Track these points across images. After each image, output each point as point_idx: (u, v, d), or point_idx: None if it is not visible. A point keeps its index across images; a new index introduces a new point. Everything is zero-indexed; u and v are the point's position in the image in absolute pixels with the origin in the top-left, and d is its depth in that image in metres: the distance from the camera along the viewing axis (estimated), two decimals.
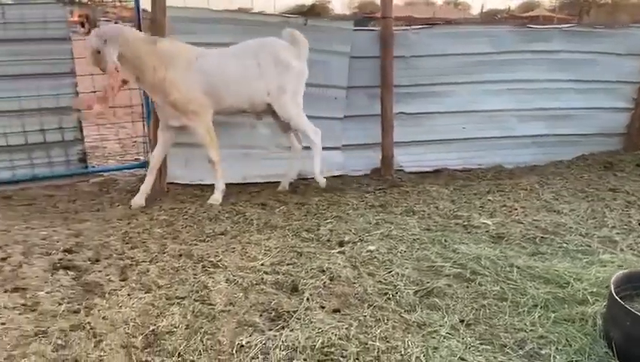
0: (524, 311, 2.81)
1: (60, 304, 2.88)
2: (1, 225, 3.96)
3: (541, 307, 2.83)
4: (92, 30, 4.25)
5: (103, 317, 2.76)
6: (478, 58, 5.59)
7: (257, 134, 5.21)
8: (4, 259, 3.35)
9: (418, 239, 3.76)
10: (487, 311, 2.82)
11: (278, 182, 4.99)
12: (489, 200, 4.68)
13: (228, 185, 4.75)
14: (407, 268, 3.30)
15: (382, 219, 4.19)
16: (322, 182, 4.86)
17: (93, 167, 5.28)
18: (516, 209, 4.42)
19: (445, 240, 3.73)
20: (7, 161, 4.77)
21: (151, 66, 4.24)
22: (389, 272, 3.25)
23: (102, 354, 2.47)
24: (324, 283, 3.12)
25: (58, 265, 3.31)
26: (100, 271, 3.26)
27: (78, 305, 2.88)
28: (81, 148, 5.02)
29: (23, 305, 2.86)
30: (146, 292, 3.03)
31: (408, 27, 6.13)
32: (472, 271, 3.24)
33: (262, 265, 3.37)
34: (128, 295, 2.99)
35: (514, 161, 5.75)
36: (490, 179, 5.40)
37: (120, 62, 4.10)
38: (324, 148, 4.73)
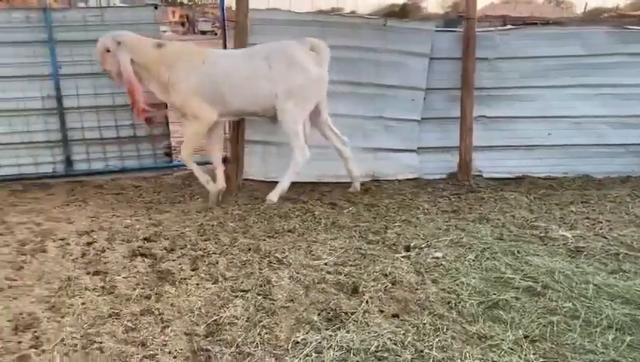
0: (596, 331, 2.63)
1: (134, 289, 3.07)
2: (91, 212, 4.30)
3: (616, 329, 2.64)
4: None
5: (171, 304, 2.92)
6: (568, 61, 5.26)
7: None
8: (89, 244, 3.64)
9: (489, 248, 3.62)
10: (555, 328, 2.66)
11: (351, 183, 5.00)
12: (571, 211, 4.41)
13: (300, 183, 4.85)
14: (473, 277, 3.20)
15: (453, 225, 4.08)
16: (273, 199, 4.57)
17: (178, 161, 5.57)
18: (600, 222, 4.13)
19: (518, 251, 3.56)
20: (100, 153, 5.15)
21: (156, 70, 4.35)
22: (454, 281, 3.17)
23: (166, 339, 2.61)
24: (386, 287, 3.10)
25: (137, 252, 3.53)
26: (173, 261, 3.44)
27: (150, 291, 3.06)
28: (168, 143, 5.32)
29: (102, 287, 3.09)
30: (213, 283, 3.16)
31: (495, 28, 5.89)
32: (544, 286, 3.08)
33: (325, 264, 3.41)
34: (197, 284, 3.14)
35: (604, 171, 5.36)
36: (576, 188, 5.08)
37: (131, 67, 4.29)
38: (398, 151, 4.67)
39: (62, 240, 3.68)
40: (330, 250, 3.63)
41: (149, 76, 4.37)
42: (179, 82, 4.34)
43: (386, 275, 3.24)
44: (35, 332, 2.65)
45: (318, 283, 3.16)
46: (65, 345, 2.55)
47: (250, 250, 3.61)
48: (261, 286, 3.12)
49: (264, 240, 3.79)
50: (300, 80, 4.42)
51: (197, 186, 5.14)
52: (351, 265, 3.39)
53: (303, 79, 4.43)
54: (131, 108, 4.52)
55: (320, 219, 4.20)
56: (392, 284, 3.14)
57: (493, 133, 5.41)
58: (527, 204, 4.61)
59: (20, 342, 2.57)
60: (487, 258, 3.47)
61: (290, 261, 3.44)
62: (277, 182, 4.91)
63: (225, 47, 5.12)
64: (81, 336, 2.62)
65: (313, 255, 3.55)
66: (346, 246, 3.67)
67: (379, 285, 3.11)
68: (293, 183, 4.74)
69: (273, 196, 4.58)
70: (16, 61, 4.75)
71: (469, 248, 3.63)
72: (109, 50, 4.31)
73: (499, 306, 2.88)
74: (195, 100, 4.37)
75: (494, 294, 2.99)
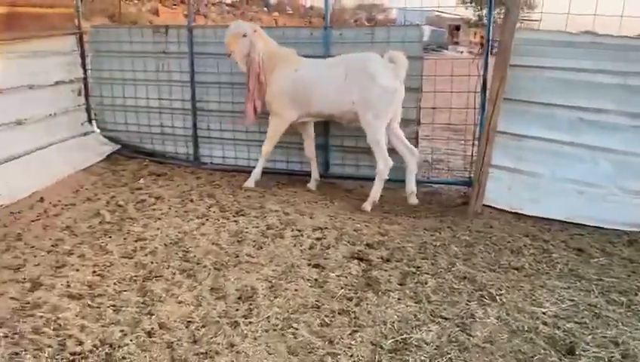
0: None
1: (341, 288, 3.24)
2: (332, 212, 4.66)
3: None
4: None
5: (368, 312, 2.98)
6: None
7: (598, 170, 4.58)
8: (318, 239, 3.96)
9: None
10: None
11: (614, 229, 4.29)
12: None
13: (546, 219, 4.40)
14: None
15: None
16: (367, 209, 4.80)
17: (423, 177, 5.61)
18: None
19: None
20: (353, 160, 5.55)
21: (268, 66, 4.96)
22: None
23: (353, 343, 2.69)
24: (612, 358, 2.58)
25: (356, 255, 3.71)
26: (385, 271, 3.50)
27: (354, 294, 3.18)
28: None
29: (315, 280, 3.34)
30: (415, 302, 3.11)
31: None
32: None
33: (544, 313, 3.01)
34: (398, 299, 3.14)
35: None
36: None
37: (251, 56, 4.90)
38: None
39: (299, 231, 4.09)
40: (556, 299, 3.19)
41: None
42: (273, 83, 4.97)
43: (616, 344, 2.69)
44: (251, 304, 3.02)
45: (527, 331, 2.82)
46: (269, 322, 2.85)
47: (465, 278, 3.43)
48: (463, 318, 2.94)
49: (484, 272, 3.54)
50: (372, 91, 4.68)
51: (436, 205, 5.12)
52: (575, 322, 2.92)
53: (375, 90, 4.67)
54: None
55: (557, 262, 3.72)
56: (622, 358, 2.59)
57: None
58: None
59: (237, 310, 2.97)
60: None
61: (504, 300, 3.15)
62: (522, 215, 4.57)
63: (485, 67, 4.95)
64: (283, 319, 2.89)
65: (534, 300, 3.17)
66: (578, 300, 3.17)
67: (603, 353, 2.61)
68: (540, 218, 4.43)
69: (367, 206, 4.83)
70: None
71: None
72: (245, 35, 4.92)
73: None
74: (281, 100, 4.96)
75: None
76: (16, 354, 2.49)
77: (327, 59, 5.13)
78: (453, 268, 3.56)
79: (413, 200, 5.04)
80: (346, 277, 3.40)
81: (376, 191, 4.89)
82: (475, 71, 5.07)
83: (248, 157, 5.87)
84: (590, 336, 2.77)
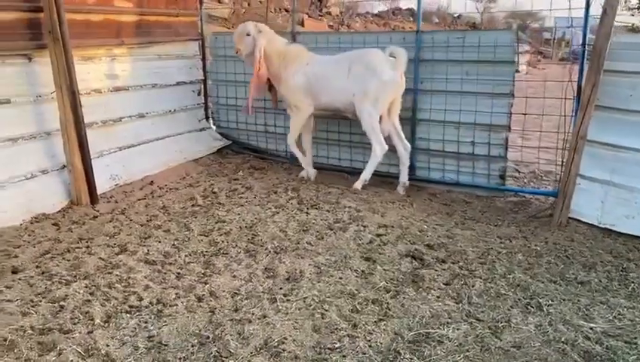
0: None
1: (385, 281, 3.33)
2: (408, 213, 4.69)
3: None
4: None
5: (402, 305, 3.06)
6: None
7: None
8: (379, 236, 4.06)
9: None
10: None
11: None
12: None
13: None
14: None
15: None
16: (358, 187, 5.23)
17: (510, 185, 5.40)
18: None
19: None
20: (440, 164, 5.52)
21: (277, 63, 5.33)
22: None
23: (375, 329, 2.79)
24: None
25: (411, 253, 3.76)
26: (435, 270, 3.52)
27: (395, 288, 3.26)
28: (503, 166, 5.24)
29: (363, 271, 3.47)
30: (455, 302, 3.12)
31: None
32: None
33: (591, 329, 2.84)
34: (437, 297, 3.16)
35: None
36: None
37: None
38: None
39: (364, 226, 4.23)
40: (613, 316, 2.98)
41: (270, 65, 5.35)
42: (289, 78, 5.34)
43: None
44: (294, 285, 3.25)
45: (563, 342, 2.71)
46: (304, 302, 3.05)
47: (517, 286, 3.33)
48: (498, 322, 2.90)
49: (541, 282, 3.39)
50: (373, 83, 5.00)
51: (521, 214, 4.92)
52: (625, 341, 2.73)
53: (375, 82, 5.00)
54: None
55: (631, 282, 3.43)
56: None
57: None
58: None
59: (280, 289, 3.22)
60: None
61: (552, 311, 3.02)
62: (612, 231, 4.27)
63: (580, 74, 4.65)
64: (319, 301, 3.07)
65: (586, 314, 3.00)
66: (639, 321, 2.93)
67: None
68: (633, 236, 4.17)
69: (358, 185, 5.25)
70: None
71: None
72: (249, 34, 5.28)
73: None
74: (298, 93, 5.36)
75: None
76: (89, 301, 2.98)
77: (336, 55, 5.43)
78: (508, 276, 3.47)
79: (401, 191, 5.36)
80: (394, 272, 3.48)
81: (368, 172, 5.30)
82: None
83: (343, 158, 6.12)
84: (635, 356, 2.57)
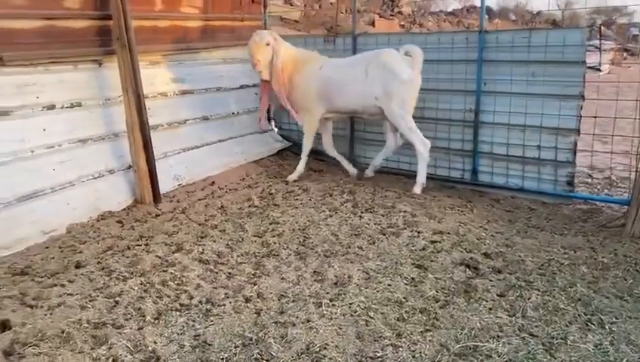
0: None
1: (435, 290, 3.23)
2: (467, 219, 4.53)
3: None
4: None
5: (451, 315, 2.96)
6: None
7: None
8: (433, 242, 3.95)
9: None
10: None
11: None
12: None
13: None
14: None
15: None
16: (417, 191, 5.14)
17: (581, 191, 5.09)
18: None
19: None
20: (503, 169, 5.30)
21: (289, 68, 5.34)
22: None
23: (420, 339, 2.72)
24: None
25: (465, 262, 3.62)
26: (490, 281, 3.37)
27: (446, 297, 3.16)
28: (571, 171, 4.96)
29: (412, 279, 3.38)
30: (507, 315, 2.97)
31: None
32: None
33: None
34: (490, 309, 3.03)
35: None
36: None
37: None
38: None
39: (418, 232, 4.13)
40: None
41: (284, 72, 5.33)
42: (301, 82, 5.37)
43: None
44: (341, 290, 3.22)
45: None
46: (350, 308, 3.02)
47: (578, 300, 3.12)
48: (553, 338, 2.73)
49: (606, 298, 3.17)
50: (394, 84, 5.00)
51: (590, 223, 4.64)
52: None
53: (395, 82, 5.00)
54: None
55: None
56: None
57: None
58: None
59: (327, 293, 3.21)
60: None
61: (615, 329, 2.82)
62: None
63: None
64: (364, 307, 3.03)
65: None
66: None
67: None
68: None
69: (417, 189, 5.17)
70: (450, 77, 5.44)
71: None
72: (268, 44, 5.24)
73: None
74: (309, 97, 5.39)
75: None
76: (142, 298, 3.10)
77: (347, 58, 5.51)
78: (569, 289, 3.26)
79: (370, 173, 5.71)
80: (445, 281, 3.37)
81: (422, 174, 5.20)
82: None
83: (402, 161, 6.02)
84: None
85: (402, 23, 26.31)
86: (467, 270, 3.53)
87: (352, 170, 5.85)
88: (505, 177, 5.33)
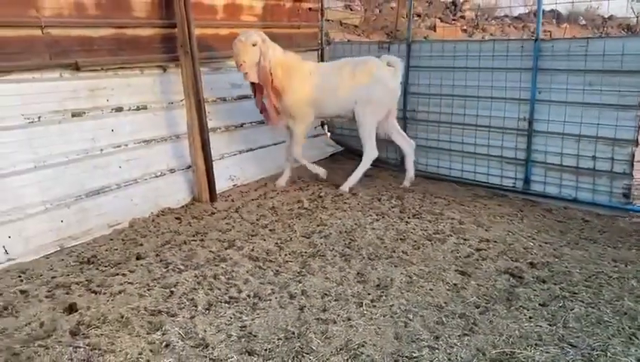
0: None
1: (476, 297, 3.28)
2: (516, 228, 4.50)
3: None
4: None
5: (490, 321, 3.00)
6: None
7: None
8: (479, 250, 3.97)
9: None
10: None
11: None
12: None
13: None
14: None
15: None
16: (345, 190, 5.43)
17: (635, 204, 4.93)
18: None
19: None
20: (557, 179, 5.21)
21: (280, 74, 5.15)
22: None
23: (457, 343, 2.78)
24: None
25: (509, 270, 3.64)
26: (534, 290, 3.37)
27: (486, 304, 3.20)
28: (628, 183, 4.81)
29: (455, 285, 3.44)
30: (548, 324, 2.98)
31: None
32: None
33: None
34: (530, 317, 3.04)
35: None
36: None
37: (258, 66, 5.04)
38: None
39: (464, 239, 4.16)
40: None
41: (274, 76, 5.14)
42: (293, 88, 5.25)
43: None
44: (383, 292, 3.32)
45: None
46: (390, 309, 3.12)
47: (625, 314, 3.08)
48: (594, 350, 2.73)
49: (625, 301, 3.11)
50: (379, 91, 5.26)
51: None
52: None
53: (382, 90, 5.27)
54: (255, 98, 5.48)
55: None
56: None
57: None
58: None
59: (369, 294, 3.31)
60: None
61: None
62: None
63: None
64: (404, 310, 3.12)
65: None
66: None
67: None
68: None
69: (345, 187, 5.45)
70: (504, 85, 5.41)
71: None
72: (255, 44, 5.01)
73: None
74: (301, 104, 5.36)
75: None
76: (195, 289, 3.31)
77: (335, 62, 5.65)
78: (616, 302, 3.22)
79: (407, 183, 5.69)
80: (487, 288, 3.40)
81: (355, 176, 5.51)
82: None
83: (454, 168, 6.03)
84: None
85: (465, 28, 25.86)
86: (511, 278, 3.54)
87: (321, 170, 5.84)
88: (558, 187, 5.24)
